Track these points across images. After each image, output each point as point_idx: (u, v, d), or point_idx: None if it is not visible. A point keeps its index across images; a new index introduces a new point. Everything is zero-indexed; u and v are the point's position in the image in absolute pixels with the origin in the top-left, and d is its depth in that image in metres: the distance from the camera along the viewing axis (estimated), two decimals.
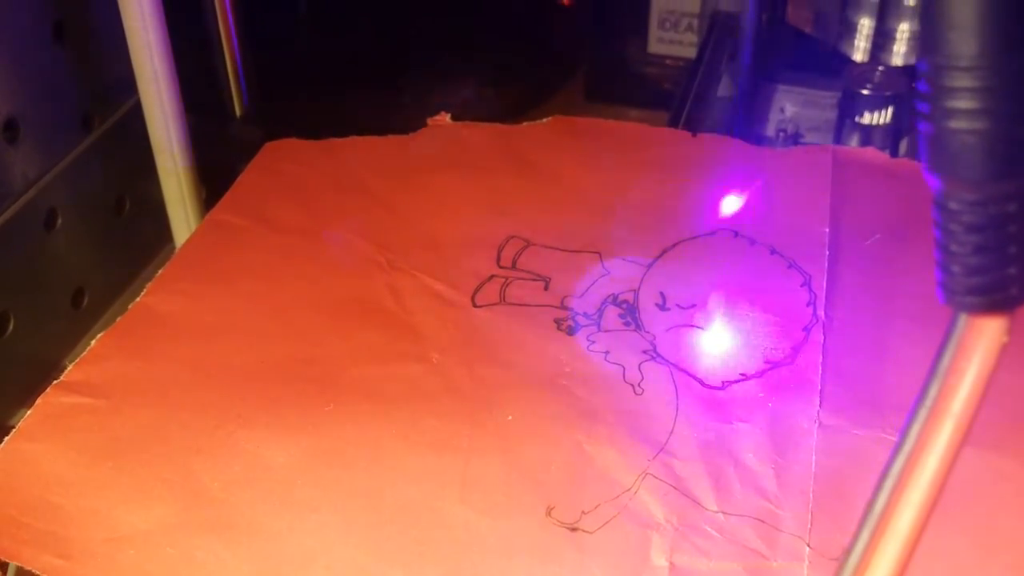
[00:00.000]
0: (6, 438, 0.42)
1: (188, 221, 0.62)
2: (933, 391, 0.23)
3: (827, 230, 0.52)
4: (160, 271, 0.51)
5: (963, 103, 0.21)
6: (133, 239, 0.65)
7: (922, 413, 0.24)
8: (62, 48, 0.58)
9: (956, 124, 0.21)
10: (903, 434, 0.24)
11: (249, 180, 0.58)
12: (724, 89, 0.70)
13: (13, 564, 0.40)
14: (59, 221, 0.58)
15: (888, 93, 0.63)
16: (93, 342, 0.47)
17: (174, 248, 0.62)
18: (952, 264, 0.23)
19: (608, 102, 0.76)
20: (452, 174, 0.58)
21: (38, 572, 0.38)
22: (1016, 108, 0.21)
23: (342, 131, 0.61)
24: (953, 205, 0.22)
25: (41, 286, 0.58)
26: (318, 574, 0.38)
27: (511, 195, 0.56)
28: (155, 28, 0.56)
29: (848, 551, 0.25)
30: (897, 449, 0.24)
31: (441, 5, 0.75)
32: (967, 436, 0.23)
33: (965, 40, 0.20)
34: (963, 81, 0.21)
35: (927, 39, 0.21)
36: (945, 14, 0.21)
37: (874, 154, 0.57)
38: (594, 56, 0.79)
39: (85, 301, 0.61)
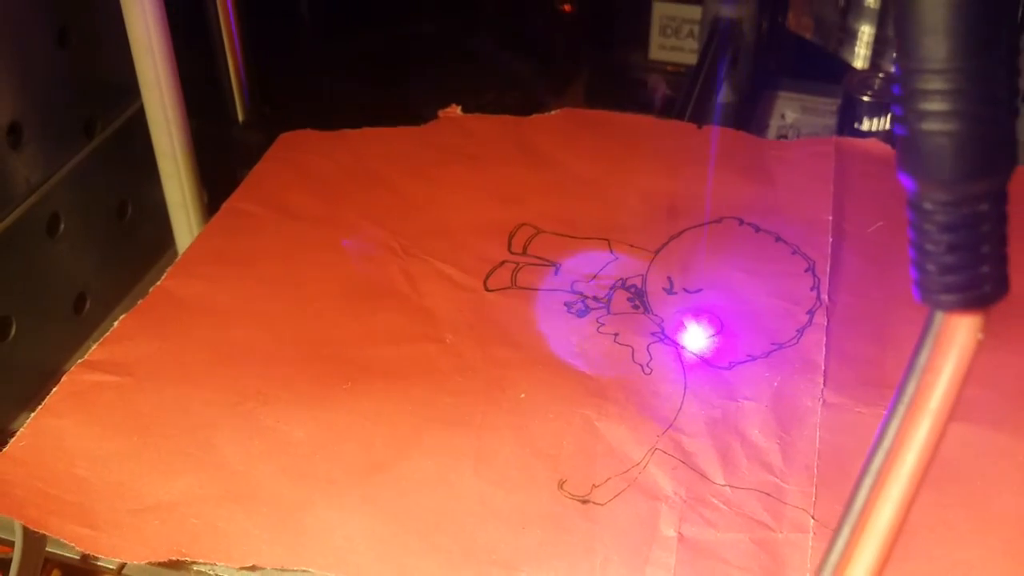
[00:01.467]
0: (32, 415, 0.45)
1: (190, 225, 0.64)
2: (911, 388, 0.25)
3: (830, 218, 0.56)
4: (179, 256, 0.55)
5: (935, 105, 0.22)
6: (135, 244, 0.66)
7: (900, 409, 0.25)
8: (65, 53, 0.60)
9: (928, 126, 0.22)
10: (882, 430, 0.25)
11: (265, 169, 0.62)
12: (725, 95, 0.73)
13: (19, 530, 0.43)
14: (62, 226, 0.60)
15: (888, 100, 0.66)
16: (116, 323, 0.50)
17: (176, 253, 0.64)
18: (927, 263, 0.24)
19: (609, 108, 0.77)
20: (464, 164, 0.62)
21: (65, 541, 0.41)
22: (986, 110, 0.22)
23: None
24: (927, 205, 0.23)
25: (43, 291, 0.59)
26: (337, 544, 0.41)
27: (521, 184, 0.60)
28: (158, 33, 0.58)
29: (830, 546, 0.27)
30: (876, 445, 0.25)
31: (442, 12, 0.78)
32: (945, 431, 0.25)
33: (936, 44, 0.22)
34: (934, 84, 0.22)
35: (900, 44, 0.22)
36: (916, 19, 0.22)
37: (876, 144, 0.61)
38: (595, 62, 0.82)
39: (87, 306, 0.63)
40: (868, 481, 0.26)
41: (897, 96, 0.23)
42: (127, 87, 0.61)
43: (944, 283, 0.24)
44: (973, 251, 0.23)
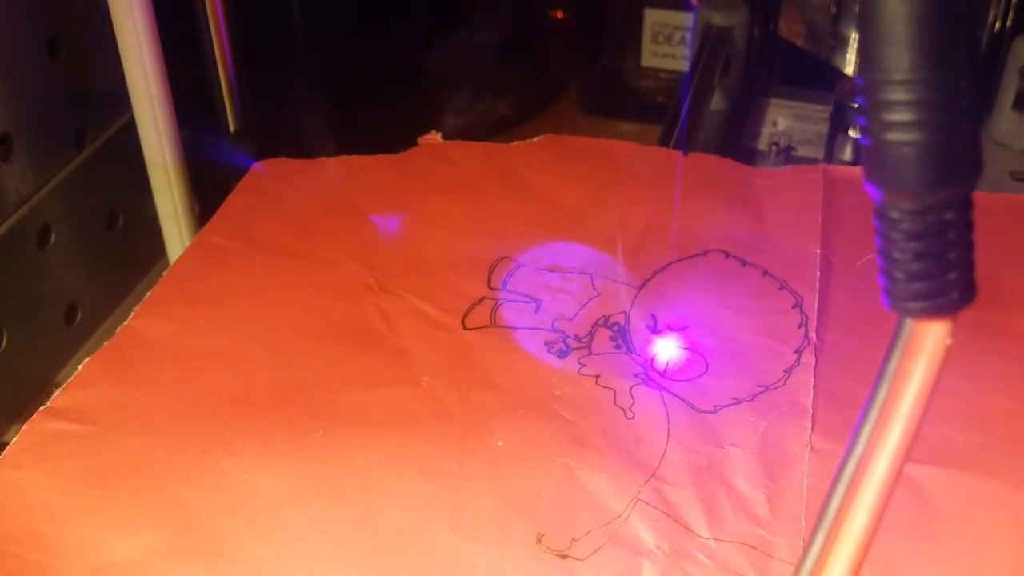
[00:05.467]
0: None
1: (182, 237, 0.61)
2: (881, 395, 0.24)
3: (818, 251, 0.52)
4: (148, 294, 0.50)
5: (899, 116, 0.21)
6: (126, 255, 0.64)
7: (872, 416, 0.24)
8: (56, 64, 0.57)
9: (893, 136, 0.21)
10: (854, 437, 0.24)
11: (238, 201, 0.57)
12: (717, 103, 0.70)
13: None
14: (52, 237, 0.57)
15: None
16: (80, 367, 0.46)
17: (167, 264, 0.61)
18: (895, 271, 0.23)
19: (601, 115, 0.76)
20: (442, 194, 0.57)
21: None
22: (950, 119, 0.21)
23: (335, 146, 0.61)
24: (893, 214, 0.22)
25: (34, 302, 0.57)
26: None
27: (502, 215, 0.56)
28: (149, 44, 0.55)
29: (804, 554, 0.26)
30: (848, 452, 0.24)
31: (434, 20, 0.74)
32: (916, 437, 0.24)
33: (898, 55, 0.21)
34: (898, 94, 0.21)
35: (864, 55, 0.22)
36: (880, 31, 0.21)
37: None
38: (587, 69, 0.79)
39: (78, 317, 0.60)
40: (841, 488, 0.25)
41: (861, 107, 0.22)
42: (118, 97, 0.58)
43: (912, 290, 0.23)
44: (940, 258, 0.23)
